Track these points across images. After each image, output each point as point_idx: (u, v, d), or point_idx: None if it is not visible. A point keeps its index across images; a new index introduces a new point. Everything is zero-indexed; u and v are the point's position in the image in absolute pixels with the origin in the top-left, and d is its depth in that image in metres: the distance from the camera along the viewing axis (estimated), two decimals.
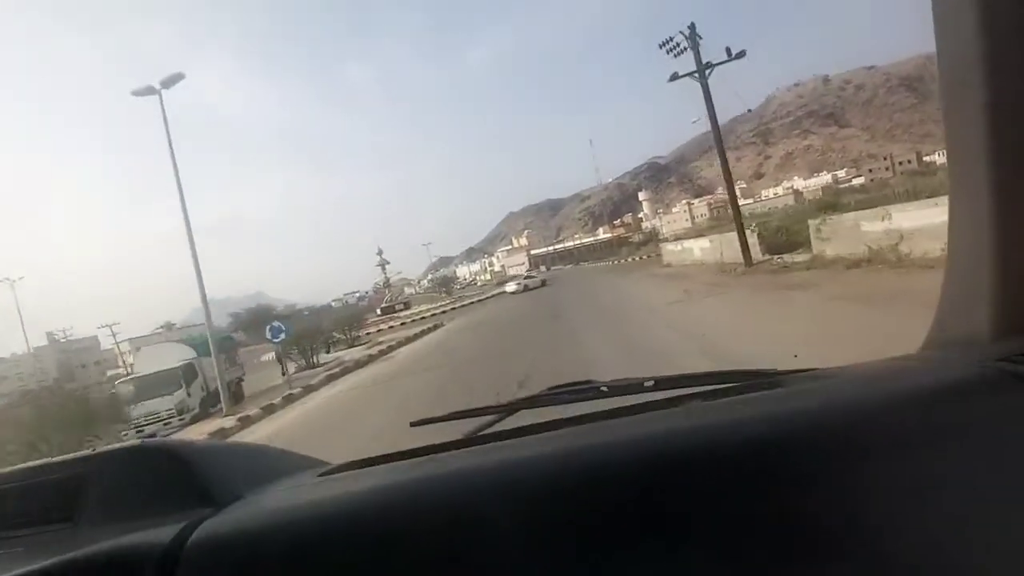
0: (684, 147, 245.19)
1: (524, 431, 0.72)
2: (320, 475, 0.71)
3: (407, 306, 46.61)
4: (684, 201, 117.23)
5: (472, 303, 36.51)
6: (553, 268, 59.22)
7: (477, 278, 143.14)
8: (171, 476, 0.68)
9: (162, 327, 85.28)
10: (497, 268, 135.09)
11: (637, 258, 47.28)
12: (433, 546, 0.52)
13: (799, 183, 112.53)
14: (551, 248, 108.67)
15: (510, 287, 49.95)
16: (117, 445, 0.75)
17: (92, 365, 72.15)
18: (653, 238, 72.10)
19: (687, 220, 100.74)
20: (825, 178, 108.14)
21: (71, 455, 0.77)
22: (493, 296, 39.23)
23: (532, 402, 0.85)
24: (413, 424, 0.86)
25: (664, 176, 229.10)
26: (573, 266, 71.22)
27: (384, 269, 49.94)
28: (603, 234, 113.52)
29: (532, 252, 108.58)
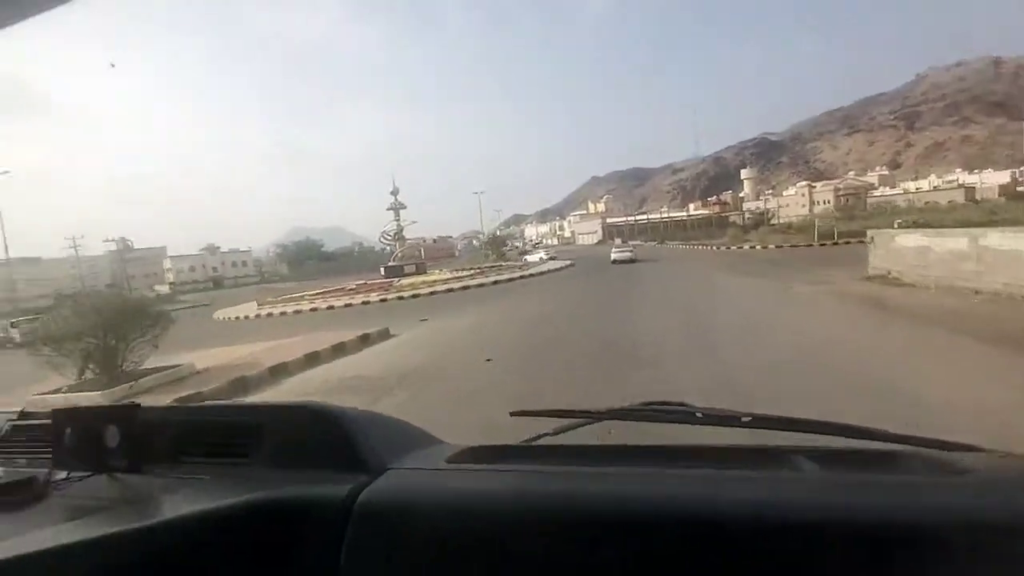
0: (801, 124, 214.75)
1: (627, 452, 0.75)
2: (450, 459, 0.74)
3: (419, 269, 35.82)
4: (803, 183, 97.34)
5: (497, 281, 25.05)
6: (632, 243, 46.95)
7: (543, 241, 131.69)
8: (331, 437, 0.75)
9: (204, 248, 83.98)
10: (567, 233, 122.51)
11: (755, 246, 33.15)
12: (552, 560, 0.56)
13: (965, 178, 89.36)
14: (631, 219, 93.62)
15: (535, 257, 40.24)
16: (289, 401, 0.84)
17: (142, 276, 71.62)
18: (763, 221, 57.07)
19: (803, 206, 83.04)
20: (998, 175, 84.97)
21: (249, 402, 0.87)
22: (518, 278, 27.52)
23: (626, 414, 0.84)
24: (513, 414, 0.91)
25: (774, 154, 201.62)
26: (656, 244, 56.34)
27: (397, 215, 38.72)
28: (694, 210, 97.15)
29: (608, 220, 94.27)
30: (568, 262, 33.53)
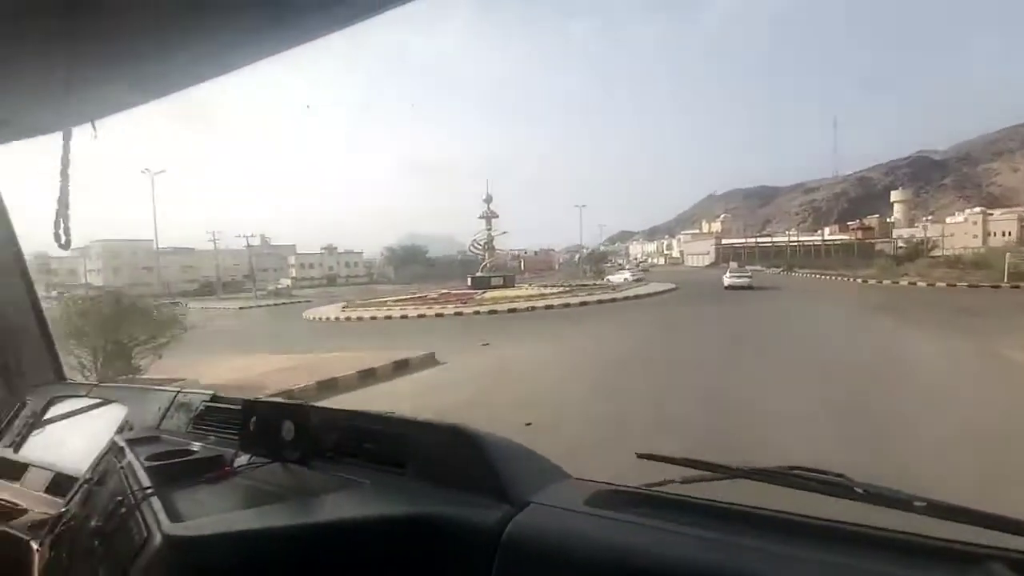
0: (972, 142, 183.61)
1: (774, 522, 0.67)
2: (588, 501, 0.72)
3: (507, 282, 33.81)
4: (976, 210, 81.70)
5: (585, 302, 22.26)
6: (751, 268, 40.97)
7: (648, 260, 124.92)
8: (474, 460, 0.78)
9: (324, 248, 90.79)
10: (675, 253, 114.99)
11: (915, 282, 26.05)
12: None
13: None
14: (752, 241, 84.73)
15: (619, 278, 37.65)
16: (435, 420, 0.89)
17: (272, 270, 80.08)
18: (920, 251, 47.81)
19: (975, 236, 69.39)
20: None
21: (400, 416, 0.93)
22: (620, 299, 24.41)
23: (769, 476, 0.75)
24: (640, 456, 0.86)
25: (934, 175, 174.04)
26: (781, 272, 48.72)
27: (489, 223, 36.81)
28: (830, 235, 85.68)
29: (724, 241, 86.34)
30: (670, 286, 29.65)
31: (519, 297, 24.65)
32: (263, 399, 1.01)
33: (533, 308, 20.39)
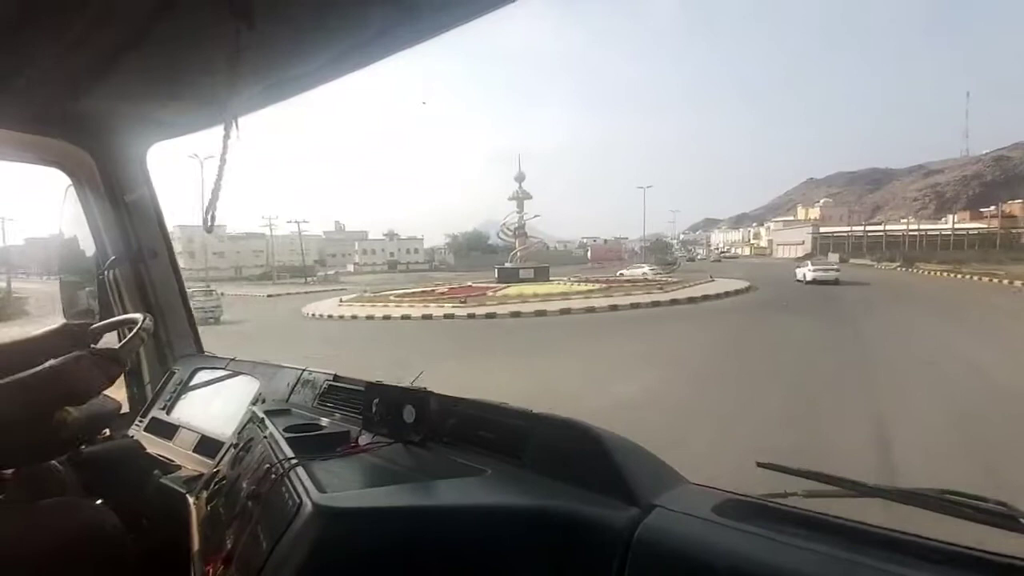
0: None
1: (924, 550, 0.59)
2: (716, 509, 0.69)
3: (539, 275, 28.24)
4: None
5: (615, 307, 17.03)
6: (856, 261, 32.73)
7: (731, 250, 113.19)
8: (596, 458, 0.76)
9: (385, 234, 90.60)
10: (763, 243, 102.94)
11: None
12: None
13: None
14: (860, 229, 71.79)
15: (638, 272, 33.43)
16: (554, 414, 0.88)
17: (340, 256, 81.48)
18: None
19: None
20: None
21: (518, 407, 0.92)
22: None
23: (913, 497, 0.67)
24: (760, 465, 0.82)
25: None
26: (898, 267, 38.25)
27: (520, 206, 31.20)
28: (959, 223, 71.40)
29: (823, 230, 74.70)
30: (741, 285, 22.85)
31: (541, 296, 20.03)
32: (386, 384, 1.04)
33: (544, 313, 15.59)
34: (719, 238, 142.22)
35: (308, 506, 0.61)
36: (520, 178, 32.40)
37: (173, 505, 1.13)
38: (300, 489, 0.66)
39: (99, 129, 1.53)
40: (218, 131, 1.16)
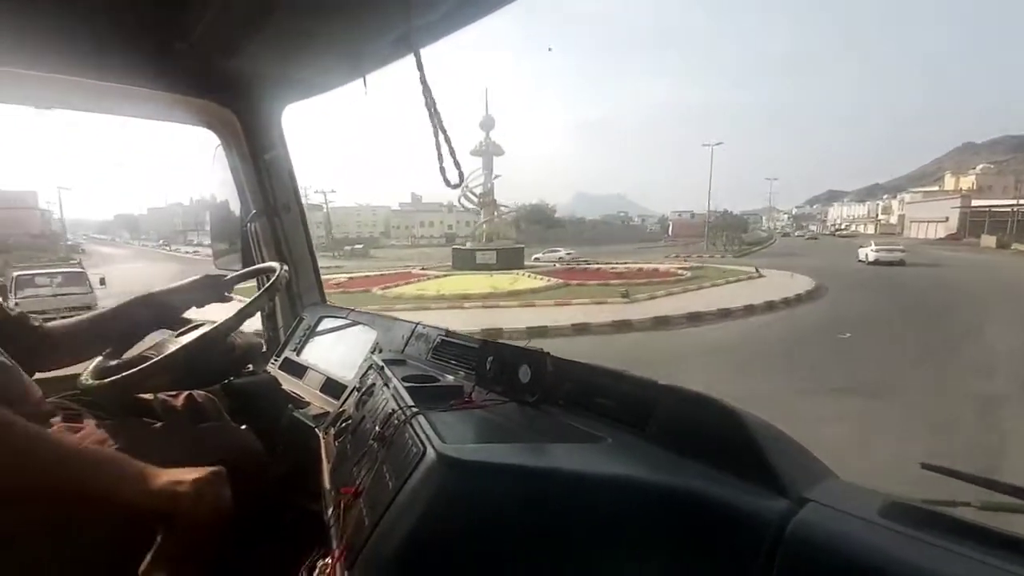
0: None
1: None
2: (883, 512, 0.62)
3: (504, 259, 20.54)
4: None
5: (592, 325, 9.98)
6: (1017, 247, 22.38)
7: (852, 227, 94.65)
8: (732, 438, 0.70)
9: (444, 205, 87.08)
10: (893, 219, 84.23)
11: None
12: None
13: None
14: None
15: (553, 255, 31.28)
16: (684, 387, 0.82)
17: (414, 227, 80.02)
18: None
19: None
20: None
21: (643, 376, 0.87)
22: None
23: None
24: (925, 467, 0.76)
25: None
26: None
27: (488, 164, 23.04)
28: None
29: (975, 203, 57.53)
30: (804, 287, 14.28)
31: (443, 297, 13.48)
32: (500, 342, 1.05)
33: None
34: (837, 213, 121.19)
35: (431, 454, 0.62)
36: (488, 125, 23.81)
37: (303, 437, 1.21)
38: (423, 437, 0.67)
39: (245, 90, 1.63)
40: (346, 91, 1.33)
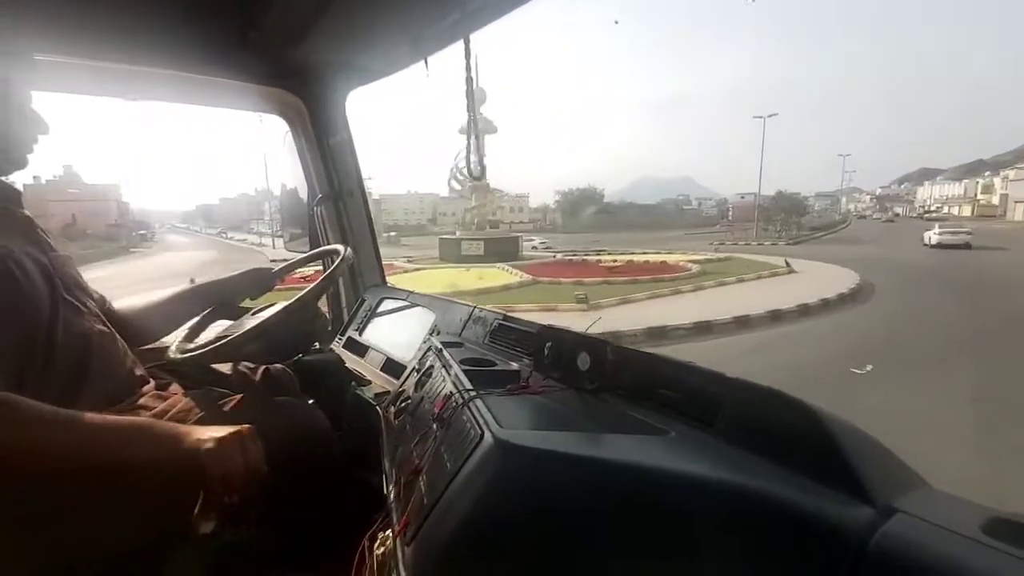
0: None
1: None
2: (987, 528, 0.56)
3: (492, 249, 18.68)
4: None
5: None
6: None
7: (945, 208, 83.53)
8: (808, 438, 0.65)
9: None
10: (995, 199, 73.25)
11: None
12: None
13: None
14: None
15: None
16: (757, 382, 0.77)
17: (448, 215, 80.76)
18: None
19: None
20: None
21: (714, 369, 0.82)
22: None
23: None
24: None
25: None
26: None
27: (476, 139, 19.05)
28: None
29: None
30: (846, 286, 11.46)
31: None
32: (561, 328, 1.03)
33: None
34: (928, 192, 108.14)
35: (489, 438, 0.62)
36: (470, 88, 21.01)
37: (365, 414, 1.24)
38: (481, 420, 0.66)
39: (311, 78, 1.67)
40: (408, 74, 1.41)
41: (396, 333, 1.62)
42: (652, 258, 19.19)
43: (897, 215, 75.36)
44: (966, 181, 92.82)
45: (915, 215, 66.38)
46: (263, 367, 1.20)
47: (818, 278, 13.05)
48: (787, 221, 35.19)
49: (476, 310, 1.40)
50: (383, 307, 1.80)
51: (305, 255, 1.49)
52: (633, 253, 22.15)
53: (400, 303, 1.74)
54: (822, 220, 63.92)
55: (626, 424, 0.78)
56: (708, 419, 0.74)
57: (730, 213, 78.14)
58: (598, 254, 22.40)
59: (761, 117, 34.48)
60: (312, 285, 1.15)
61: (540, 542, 0.58)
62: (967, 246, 23.09)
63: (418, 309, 1.63)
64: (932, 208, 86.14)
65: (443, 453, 0.70)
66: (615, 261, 18.24)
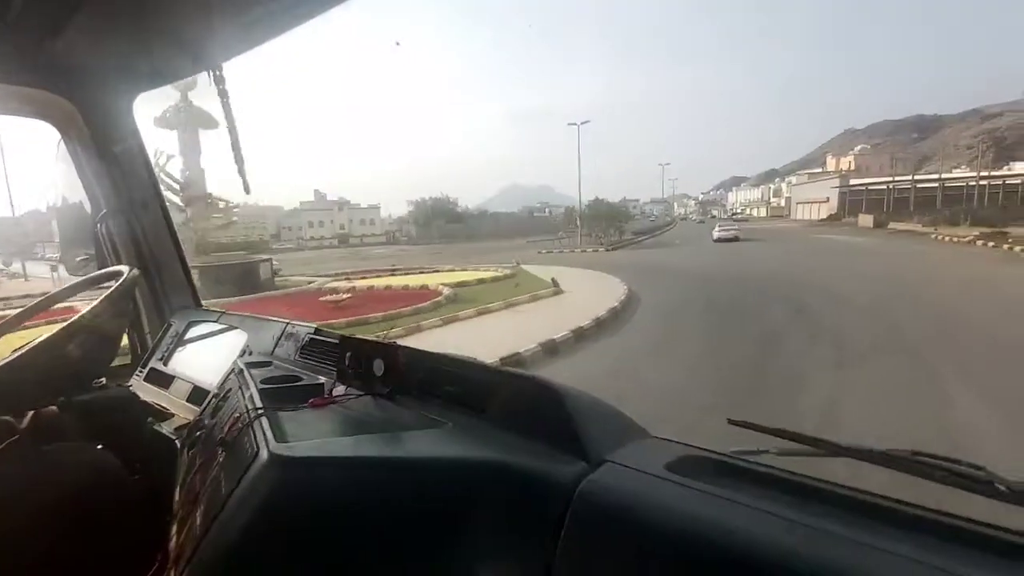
0: None
1: (892, 513, 0.55)
2: (670, 466, 0.67)
3: (219, 276, 13.06)
4: None
5: None
6: (895, 227, 22.67)
7: (747, 211, 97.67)
8: (553, 413, 0.75)
9: (335, 201, 79.60)
10: (782, 202, 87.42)
11: None
12: None
13: None
14: (906, 179, 52.54)
15: None
16: (517, 370, 0.90)
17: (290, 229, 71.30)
18: None
19: None
20: None
21: (481, 362, 0.94)
22: None
23: (886, 459, 0.62)
24: (731, 422, 0.81)
25: None
26: (989, 245, 26.74)
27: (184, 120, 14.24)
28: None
29: (853, 182, 59.22)
30: (612, 301, 10.51)
31: None
32: (358, 336, 1.07)
33: None
34: (735, 197, 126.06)
35: (264, 454, 0.62)
36: (188, 86, 13.65)
37: (165, 451, 1.18)
38: (260, 438, 0.67)
39: (82, 78, 1.54)
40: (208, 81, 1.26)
41: (205, 358, 1.52)
42: (428, 279, 15.50)
43: (713, 217, 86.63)
44: (762, 187, 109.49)
45: (726, 216, 76.18)
46: (31, 412, 1.07)
47: (586, 297, 11.58)
48: (607, 227, 36.56)
49: (288, 326, 1.36)
50: (193, 332, 1.70)
51: (71, 284, 1.36)
52: (422, 272, 18.32)
53: (212, 326, 1.66)
54: (654, 223, 69.26)
55: (414, 421, 0.82)
56: (480, 407, 0.82)
57: (578, 220, 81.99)
58: (348, 279, 17.27)
59: (575, 124, 35.46)
60: (77, 316, 1.02)
61: (321, 548, 0.59)
62: (735, 239, 29.75)
63: (232, 331, 1.56)
64: (738, 210, 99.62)
65: (221, 478, 0.68)
66: (371, 287, 14.43)
